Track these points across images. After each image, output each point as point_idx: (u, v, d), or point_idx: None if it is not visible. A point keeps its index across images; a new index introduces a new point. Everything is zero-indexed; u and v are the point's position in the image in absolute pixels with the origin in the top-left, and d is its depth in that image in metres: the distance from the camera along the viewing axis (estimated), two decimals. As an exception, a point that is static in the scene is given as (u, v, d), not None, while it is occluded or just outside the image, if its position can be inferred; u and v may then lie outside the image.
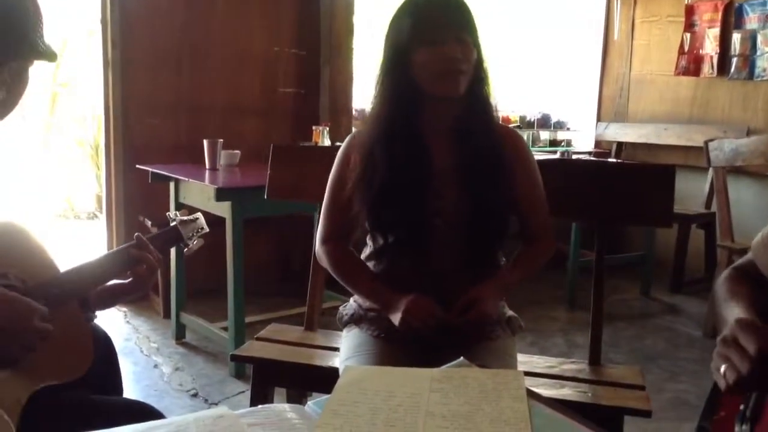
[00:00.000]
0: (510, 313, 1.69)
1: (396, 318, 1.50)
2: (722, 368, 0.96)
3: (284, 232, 4.26)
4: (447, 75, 1.49)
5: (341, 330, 1.74)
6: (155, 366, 3.06)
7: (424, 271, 1.56)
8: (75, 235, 5.67)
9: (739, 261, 1.30)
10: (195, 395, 2.76)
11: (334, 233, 1.69)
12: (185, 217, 1.46)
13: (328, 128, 3.80)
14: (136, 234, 1.35)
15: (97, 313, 1.37)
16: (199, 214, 1.49)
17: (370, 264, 1.66)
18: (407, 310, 1.47)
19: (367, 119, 1.65)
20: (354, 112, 4.51)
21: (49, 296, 1.17)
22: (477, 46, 1.53)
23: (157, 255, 1.35)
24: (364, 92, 4.66)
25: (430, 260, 1.56)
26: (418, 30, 1.49)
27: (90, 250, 4.68)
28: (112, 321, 3.54)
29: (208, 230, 1.49)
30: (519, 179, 1.60)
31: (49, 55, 1.20)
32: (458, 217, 1.54)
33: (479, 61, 1.55)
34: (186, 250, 1.45)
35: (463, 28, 1.50)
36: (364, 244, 1.70)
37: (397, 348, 1.55)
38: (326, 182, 1.71)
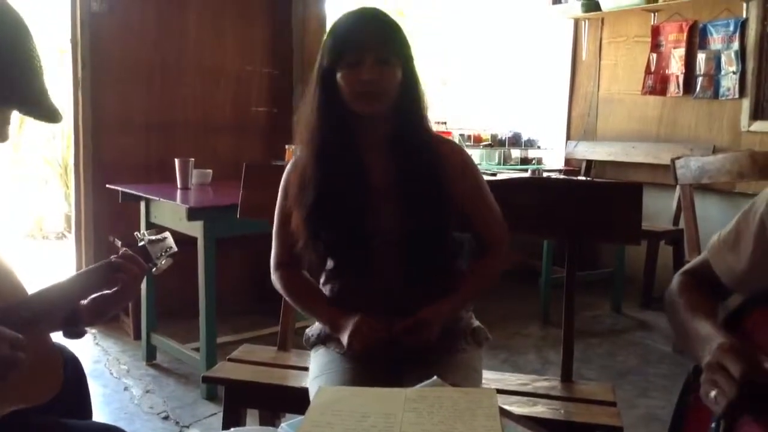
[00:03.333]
0: (476, 323, 1.69)
1: (343, 339, 1.51)
2: (711, 394, 0.97)
3: (257, 251, 4.20)
4: (363, 96, 1.51)
5: (309, 351, 1.73)
6: (125, 388, 3.01)
7: (371, 290, 1.57)
8: (43, 256, 5.57)
9: (691, 264, 1.31)
10: (166, 418, 2.72)
11: (285, 258, 1.69)
12: (153, 237, 1.44)
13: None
14: (123, 250, 1.35)
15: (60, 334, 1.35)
16: (167, 233, 1.48)
17: (327, 287, 1.66)
18: (351, 334, 1.48)
19: (303, 140, 1.64)
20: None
21: (19, 319, 1.15)
22: (407, 62, 1.55)
23: (142, 264, 1.35)
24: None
25: (375, 279, 1.57)
26: (338, 52, 1.52)
27: (59, 271, 4.60)
28: (81, 343, 3.45)
29: (176, 249, 1.48)
30: (464, 192, 1.61)
31: (45, 113, 1.15)
32: (398, 235, 1.55)
33: (410, 78, 1.56)
34: (154, 270, 1.44)
35: (384, 48, 1.51)
36: (323, 269, 1.70)
37: (364, 366, 1.54)
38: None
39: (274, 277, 1.71)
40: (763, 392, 0.93)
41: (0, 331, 1.07)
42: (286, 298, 1.70)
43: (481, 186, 1.66)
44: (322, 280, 1.69)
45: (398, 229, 1.55)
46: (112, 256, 1.34)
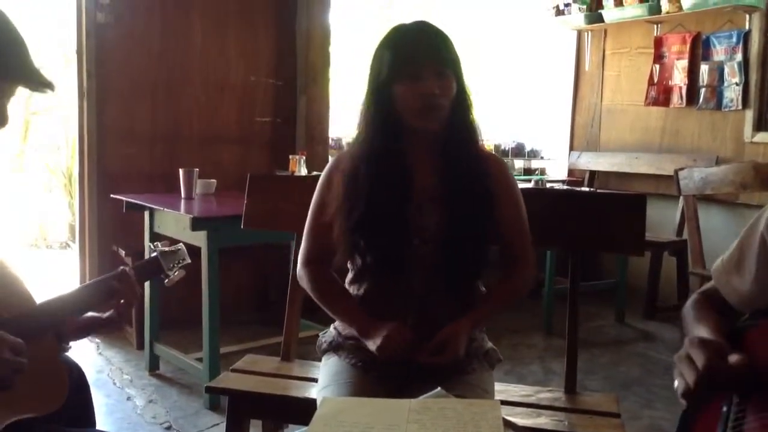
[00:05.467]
0: (489, 345, 1.68)
1: (374, 344, 1.49)
2: (676, 383, 1.03)
3: (261, 261, 4.24)
4: (425, 110, 1.51)
5: (320, 358, 1.72)
6: (128, 398, 3.01)
7: (404, 294, 1.56)
8: (47, 265, 5.58)
9: (705, 286, 1.34)
10: (169, 428, 2.72)
11: (315, 255, 1.68)
12: (166, 248, 1.45)
13: (304, 157, 3.81)
14: (120, 268, 1.35)
15: (71, 343, 1.36)
16: (181, 245, 1.48)
17: (352, 288, 1.66)
18: (386, 338, 1.46)
19: (351, 144, 1.67)
20: (330, 141, 4.53)
21: (27, 329, 1.16)
22: (458, 76, 1.55)
23: (137, 289, 1.35)
24: (340, 121, 4.69)
25: (410, 283, 1.56)
26: (397, 65, 1.51)
27: (62, 281, 4.61)
28: (85, 352, 3.48)
29: (189, 261, 1.49)
30: (502, 205, 1.61)
31: (42, 84, 1.22)
32: (438, 240, 1.55)
33: (461, 90, 1.56)
34: (167, 281, 1.45)
35: (442, 62, 1.52)
36: (347, 270, 1.70)
37: (374, 377, 1.54)
38: (303, 211, 1.72)
39: (302, 273, 1.69)
40: (724, 382, 0.99)
41: (1, 336, 1.08)
42: (312, 296, 1.67)
43: (519, 204, 1.66)
44: (348, 279, 1.68)
45: (439, 234, 1.55)
46: (119, 269, 1.34)
